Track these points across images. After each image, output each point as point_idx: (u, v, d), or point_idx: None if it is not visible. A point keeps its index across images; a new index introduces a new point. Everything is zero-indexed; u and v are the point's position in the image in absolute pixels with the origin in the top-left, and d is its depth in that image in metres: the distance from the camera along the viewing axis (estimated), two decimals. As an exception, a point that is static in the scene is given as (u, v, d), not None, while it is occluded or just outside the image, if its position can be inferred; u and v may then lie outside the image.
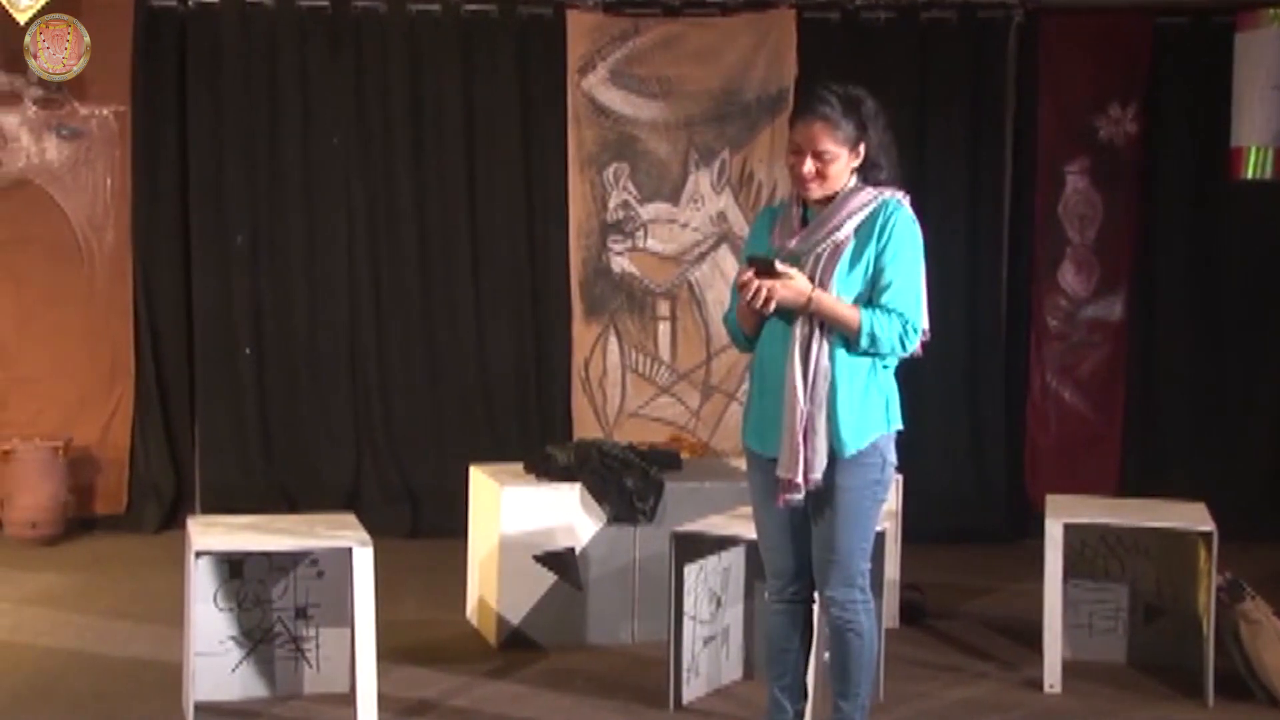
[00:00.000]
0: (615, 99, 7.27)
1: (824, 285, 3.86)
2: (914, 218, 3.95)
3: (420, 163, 7.24)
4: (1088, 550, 5.35)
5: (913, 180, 7.78)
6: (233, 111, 7.13)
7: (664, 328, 7.38)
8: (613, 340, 7.35)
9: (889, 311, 3.85)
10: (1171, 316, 7.44)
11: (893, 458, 3.98)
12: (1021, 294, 7.46)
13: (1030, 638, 5.27)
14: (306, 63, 7.16)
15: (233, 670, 4.76)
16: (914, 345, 3.89)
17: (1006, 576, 6.42)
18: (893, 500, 5.60)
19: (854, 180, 3.95)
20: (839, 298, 3.86)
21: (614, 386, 7.34)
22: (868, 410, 3.90)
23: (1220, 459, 7.29)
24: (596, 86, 7.25)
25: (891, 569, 5.43)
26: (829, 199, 3.94)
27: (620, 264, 7.33)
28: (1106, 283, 7.43)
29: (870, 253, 3.88)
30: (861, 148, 3.93)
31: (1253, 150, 6.69)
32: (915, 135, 7.32)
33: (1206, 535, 4.88)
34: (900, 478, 5.64)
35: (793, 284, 3.83)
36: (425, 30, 7.19)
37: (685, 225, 7.36)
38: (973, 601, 6.13)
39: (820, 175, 3.90)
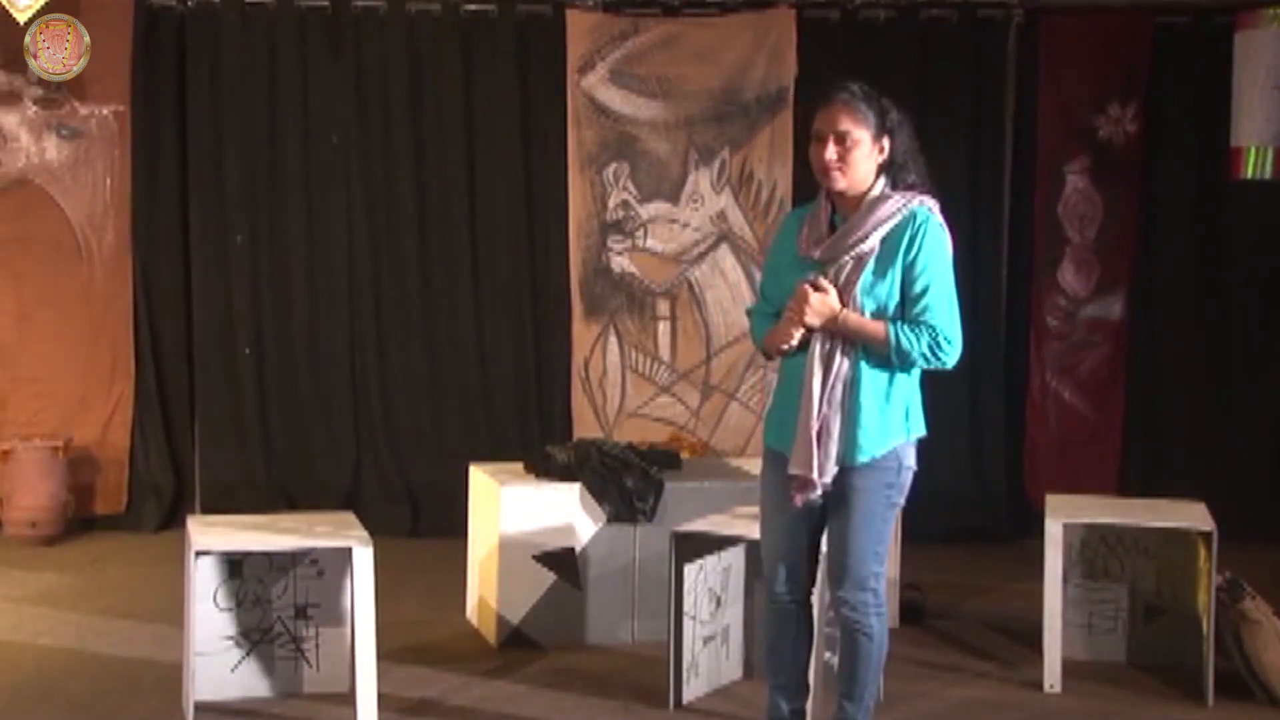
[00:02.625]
0: (615, 98, 7.27)
1: (848, 294, 3.86)
2: (943, 225, 3.92)
3: (420, 162, 7.24)
4: (1088, 550, 5.35)
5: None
6: (232, 111, 7.12)
7: (664, 327, 7.37)
8: (612, 340, 7.35)
9: (919, 325, 3.83)
10: (1171, 316, 7.43)
11: (910, 462, 3.99)
12: (1021, 293, 7.46)
13: (1030, 637, 5.27)
14: (306, 62, 7.15)
15: (232, 670, 4.76)
16: (949, 357, 3.86)
17: (1006, 576, 6.42)
18: (893, 500, 5.60)
19: (882, 184, 3.93)
20: (864, 314, 3.85)
21: (614, 386, 7.34)
22: (888, 418, 3.90)
23: (1220, 458, 7.29)
24: (596, 86, 7.25)
25: (892, 568, 5.43)
26: (856, 202, 3.93)
27: (620, 263, 7.33)
28: (1106, 282, 7.42)
29: (899, 264, 3.85)
30: (885, 143, 3.91)
31: (1252, 150, 6.68)
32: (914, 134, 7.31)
33: (1206, 535, 4.89)
34: (900, 477, 5.65)
35: (826, 302, 3.83)
36: (425, 29, 7.19)
37: (685, 225, 7.35)
38: (972, 601, 6.13)
39: (842, 161, 3.87)
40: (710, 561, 4.89)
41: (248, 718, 4.64)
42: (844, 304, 3.86)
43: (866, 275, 3.87)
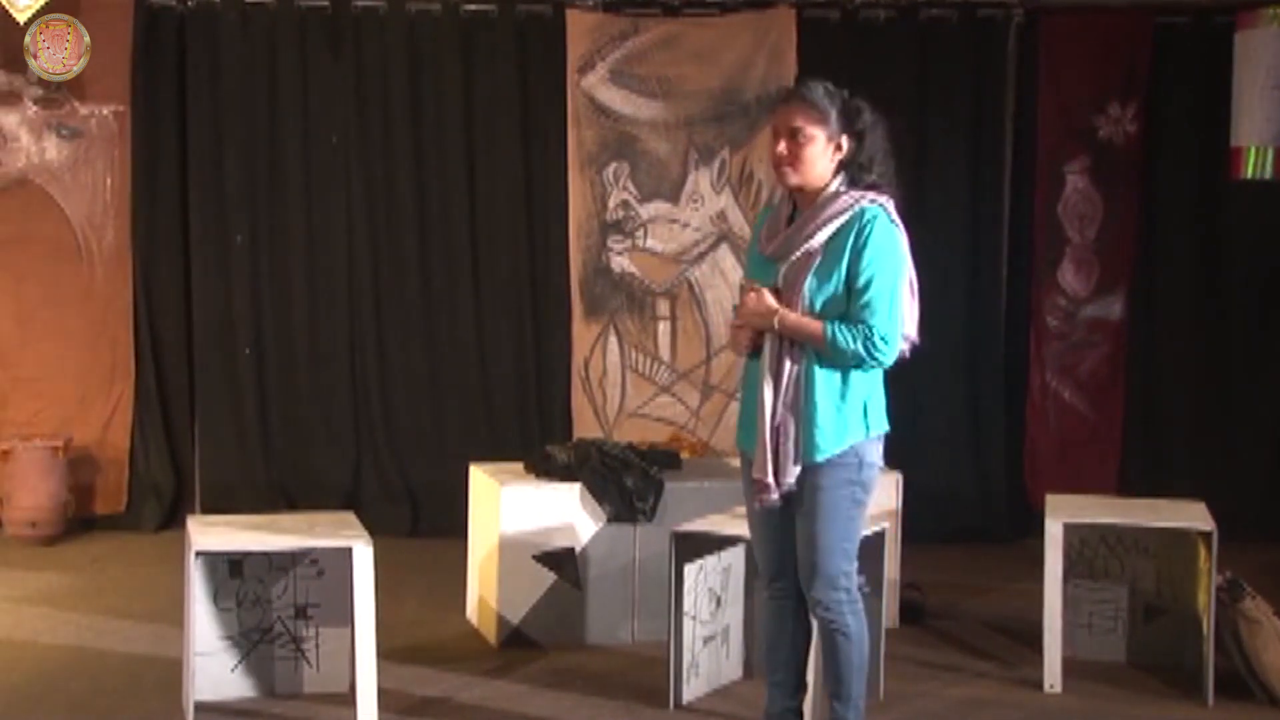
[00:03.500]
0: (615, 98, 7.27)
1: (794, 292, 3.87)
2: (895, 223, 3.91)
3: (420, 162, 7.24)
4: (1087, 550, 5.35)
5: (912, 180, 7.77)
6: (232, 111, 7.13)
7: (664, 327, 7.37)
8: (612, 340, 7.35)
9: (856, 324, 3.83)
10: (1171, 316, 7.44)
11: (873, 459, 3.97)
12: (1021, 293, 7.45)
13: (1030, 637, 5.27)
14: (306, 62, 7.15)
15: (232, 670, 4.76)
16: (885, 355, 3.85)
17: (1006, 576, 6.42)
18: (892, 500, 5.60)
19: (839, 182, 3.93)
20: (805, 314, 3.87)
21: (614, 386, 7.34)
22: (845, 416, 3.90)
23: (1220, 458, 7.28)
24: (596, 86, 7.25)
25: (891, 568, 5.43)
26: (814, 198, 3.93)
27: (620, 263, 7.33)
28: (1106, 282, 7.42)
29: (845, 261, 3.86)
30: (844, 141, 3.91)
31: (1252, 150, 6.68)
32: (915, 135, 7.31)
33: (1206, 534, 4.89)
34: (900, 477, 5.65)
35: (761, 301, 3.88)
36: (425, 29, 7.19)
37: (685, 225, 7.35)
38: (973, 601, 6.13)
39: (794, 157, 3.89)
40: (710, 561, 4.89)
41: (248, 718, 4.64)
42: (792, 300, 3.88)
43: (814, 272, 3.87)
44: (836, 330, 3.83)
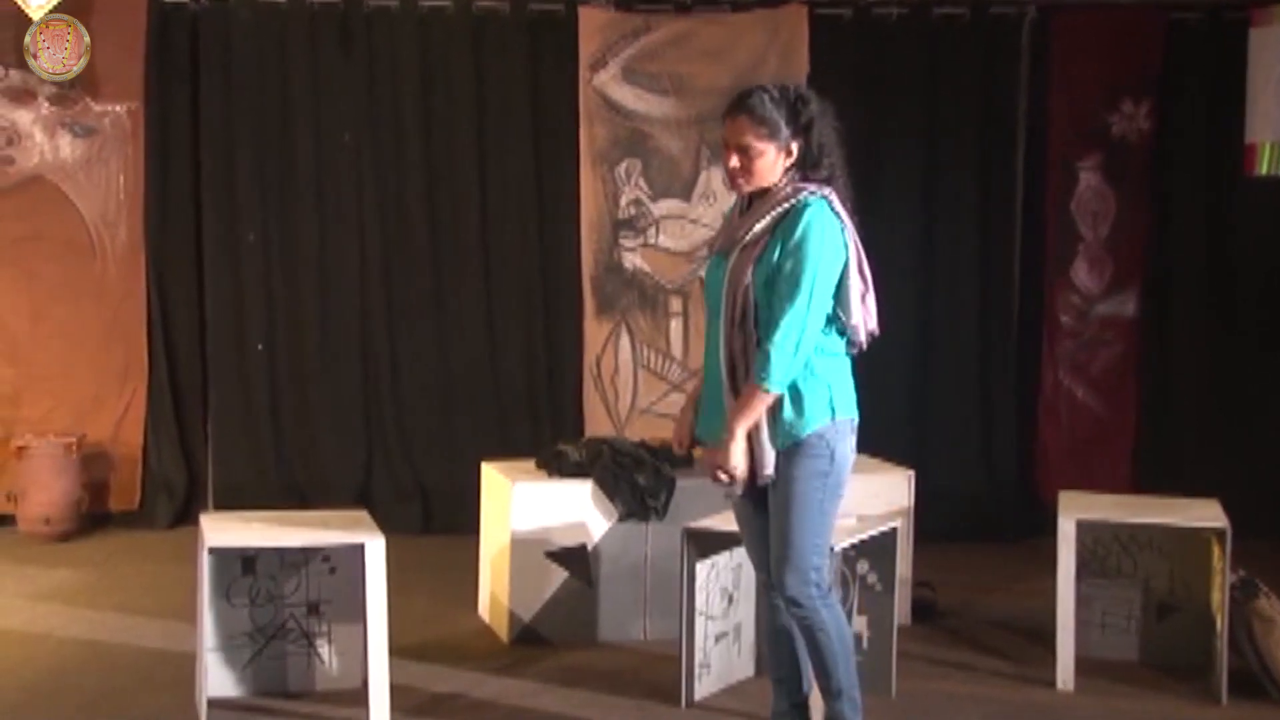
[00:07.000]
0: (627, 96, 7.27)
1: (739, 283, 3.87)
2: (835, 215, 3.88)
3: (431, 159, 7.25)
4: (1100, 548, 5.34)
5: (924, 177, 7.77)
6: (245, 108, 7.14)
7: (676, 324, 7.37)
8: (624, 337, 7.35)
9: (762, 350, 3.82)
10: (1184, 313, 7.42)
11: (845, 449, 3.95)
12: (1034, 291, 7.44)
13: (1042, 635, 5.26)
14: (318, 60, 7.16)
15: (245, 666, 4.77)
16: (790, 353, 3.79)
17: (1018, 574, 6.41)
18: (905, 498, 5.60)
19: (789, 177, 3.93)
20: (751, 303, 3.86)
21: (625, 383, 7.34)
22: (809, 400, 3.88)
23: (1233, 456, 7.26)
24: (608, 83, 7.25)
25: (903, 567, 5.42)
26: (765, 193, 3.95)
27: (632, 261, 7.33)
28: (1119, 279, 7.41)
29: (779, 250, 3.85)
30: (794, 147, 3.91)
31: (1266, 146, 6.66)
32: (927, 132, 7.31)
33: (1220, 532, 4.87)
34: (912, 475, 5.64)
35: (717, 459, 3.89)
36: (437, 27, 7.19)
37: (697, 222, 7.35)
38: (984, 599, 6.12)
39: (745, 170, 3.91)
40: (722, 559, 4.89)
41: (260, 714, 4.65)
42: (738, 291, 3.86)
43: (757, 262, 3.87)
44: (759, 380, 3.80)
